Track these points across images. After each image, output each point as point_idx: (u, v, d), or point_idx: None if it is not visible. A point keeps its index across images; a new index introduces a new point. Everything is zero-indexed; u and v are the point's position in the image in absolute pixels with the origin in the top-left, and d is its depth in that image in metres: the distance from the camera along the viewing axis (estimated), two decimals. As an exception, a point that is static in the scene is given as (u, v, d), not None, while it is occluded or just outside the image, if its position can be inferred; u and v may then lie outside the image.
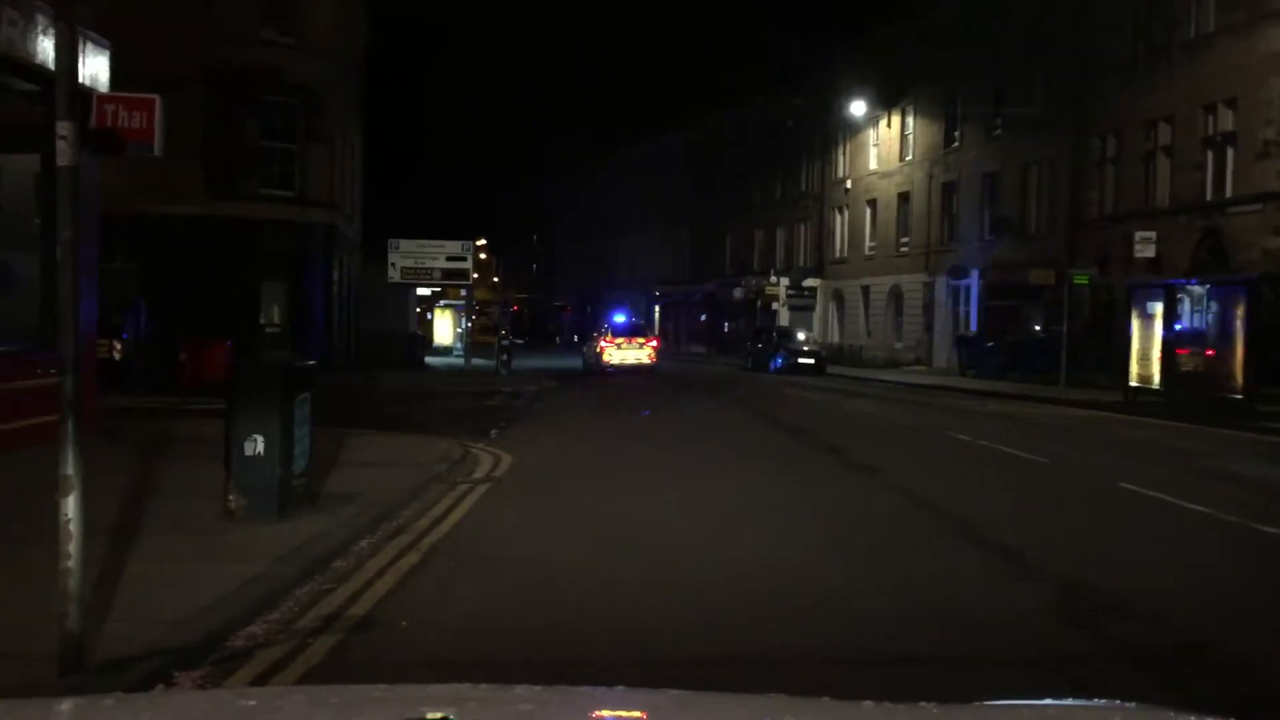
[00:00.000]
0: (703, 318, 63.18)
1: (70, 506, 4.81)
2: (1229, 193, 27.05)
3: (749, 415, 21.27)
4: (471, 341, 40.19)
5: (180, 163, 22.71)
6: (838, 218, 50.10)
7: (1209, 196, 27.74)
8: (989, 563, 8.16)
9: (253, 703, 2.53)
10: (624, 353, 36.44)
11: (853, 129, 47.53)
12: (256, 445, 8.15)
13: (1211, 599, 7.17)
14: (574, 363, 39.81)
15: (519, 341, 52.73)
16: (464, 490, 10.75)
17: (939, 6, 40.80)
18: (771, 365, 39.16)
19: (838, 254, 49.96)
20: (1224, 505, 10.64)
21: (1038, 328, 33.92)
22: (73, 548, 4.81)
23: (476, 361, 36.75)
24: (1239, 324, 21.26)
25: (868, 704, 2.33)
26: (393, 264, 33.62)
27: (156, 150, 10.64)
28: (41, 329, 11.66)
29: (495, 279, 65.46)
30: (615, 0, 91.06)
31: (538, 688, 2.51)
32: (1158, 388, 23.40)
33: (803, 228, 53.43)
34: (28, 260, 12.14)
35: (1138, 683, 5.29)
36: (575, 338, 57.49)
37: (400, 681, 3.02)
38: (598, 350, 37.07)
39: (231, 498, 8.22)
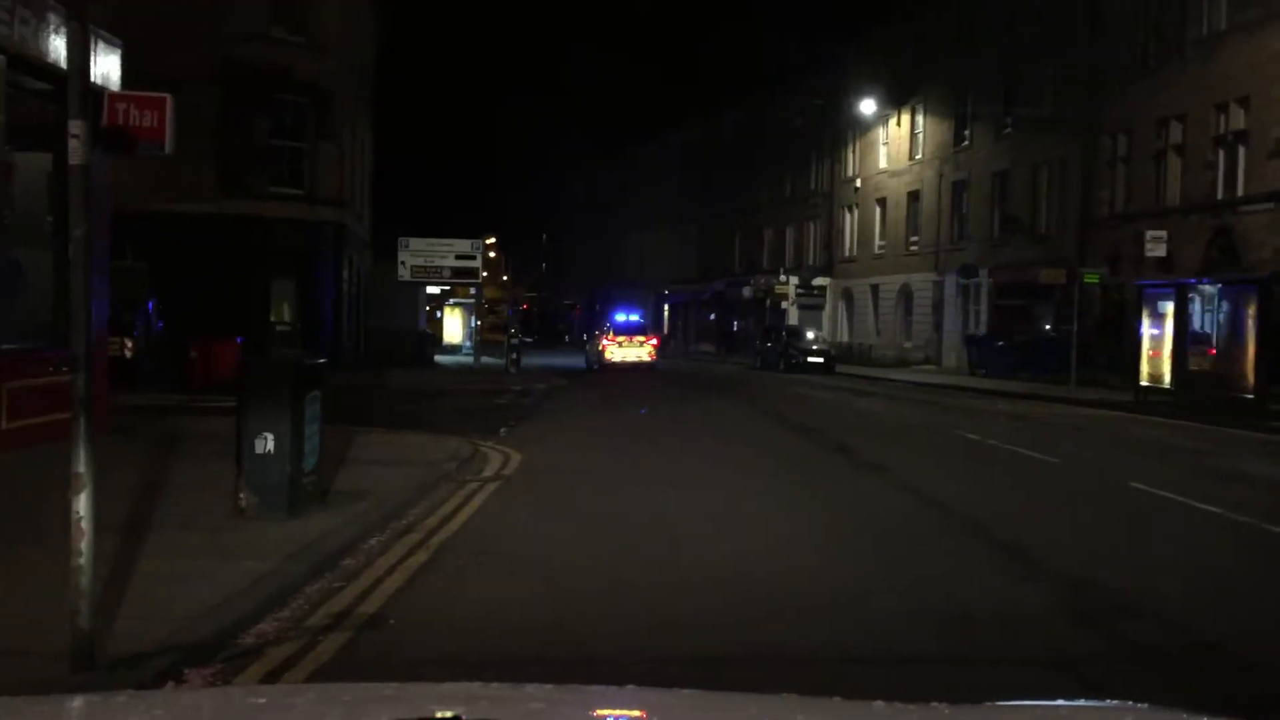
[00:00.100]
0: (712, 317, 63.14)
1: (82, 504, 4.83)
2: (1240, 192, 26.94)
3: (758, 414, 21.25)
4: (481, 340, 40.22)
5: (191, 161, 22.79)
6: (847, 216, 50.03)
7: (1220, 195, 27.64)
8: (998, 562, 8.14)
9: (263, 700, 2.54)
10: (624, 351, 37.38)
11: (862, 128, 47.45)
12: (267, 443, 8.17)
13: (1222, 599, 7.14)
14: (581, 361, 40.06)
15: (528, 340, 52.79)
16: (473, 488, 10.76)
17: (949, 5, 40.70)
18: (780, 364, 39.16)
19: (847, 253, 49.88)
20: (1235, 505, 10.60)
21: (1048, 327, 33.85)
22: (84, 545, 4.82)
23: (486, 360, 36.77)
24: (1250, 324, 21.19)
25: (878, 704, 2.33)
26: (402, 262, 33.66)
27: (167, 149, 10.66)
28: (53, 327, 11.70)
29: (504, 277, 65.49)
30: (621, 1, 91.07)
31: (549, 686, 2.52)
32: (1168, 387, 23.33)
33: (812, 226, 53.36)
34: (40, 258, 12.18)
35: (1149, 683, 5.27)
36: (584, 336, 57.55)
37: (411, 679, 3.02)
38: (599, 348, 37.85)
39: (242, 495, 8.24)
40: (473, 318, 45.48)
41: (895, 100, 44.46)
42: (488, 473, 11.92)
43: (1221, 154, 27.76)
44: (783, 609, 6.52)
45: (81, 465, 4.82)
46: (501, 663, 5.27)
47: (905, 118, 44.84)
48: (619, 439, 16.18)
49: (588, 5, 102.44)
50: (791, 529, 9.14)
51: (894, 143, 45.96)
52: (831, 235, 51.14)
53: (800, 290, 51.68)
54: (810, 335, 42.38)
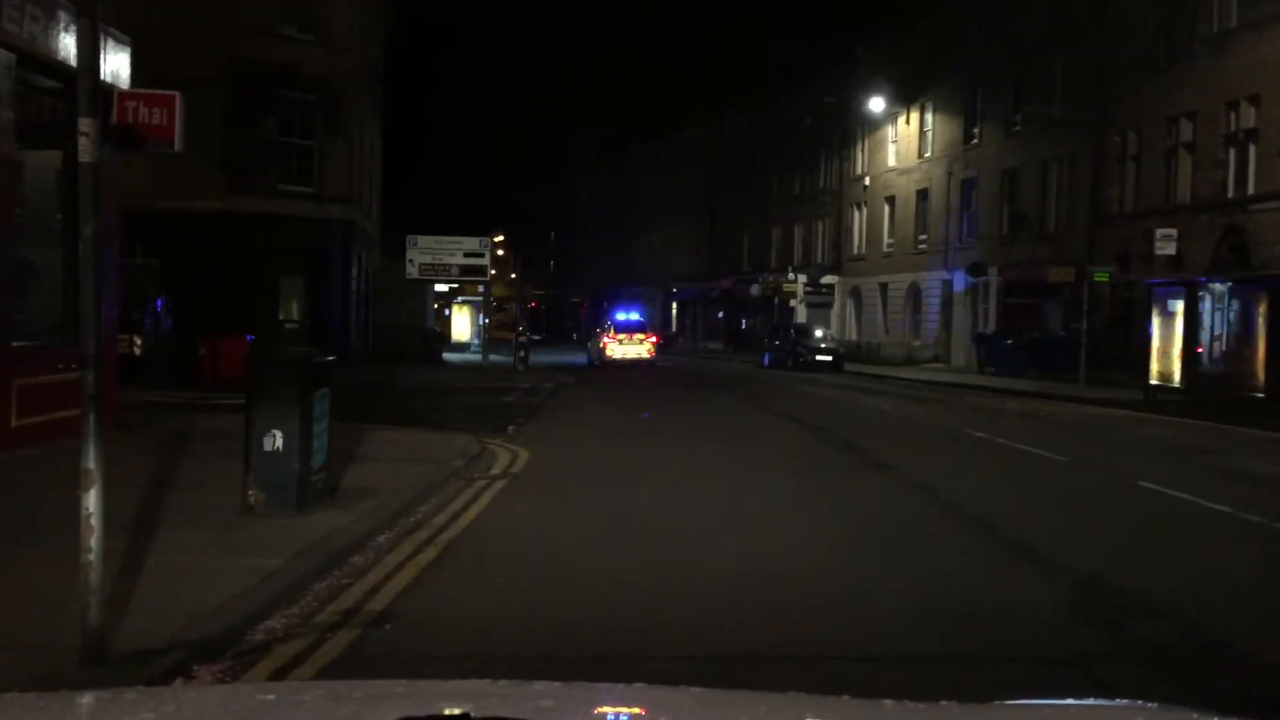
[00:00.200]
0: (720, 315, 63.10)
1: (91, 500, 4.84)
2: (1251, 190, 26.86)
3: (765, 412, 21.24)
4: (489, 337, 40.26)
5: (200, 159, 22.83)
6: (856, 214, 49.96)
7: (1231, 194, 27.55)
8: (1007, 561, 8.13)
9: (272, 697, 2.54)
10: (625, 348, 38.59)
11: (871, 126, 47.38)
12: (275, 440, 8.18)
13: (1232, 599, 7.12)
14: (585, 358, 40.53)
15: (536, 338, 52.80)
16: (481, 486, 10.77)
17: (959, 3, 40.61)
18: (788, 362, 39.14)
19: (856, 251, 49.82)
20: (1245, 505, 10.57)
21: (1064, 329, 33.78)
22: (94, 541, 4.84)
23: (494, 357, 36.79)
24: (1261, 322, 21.13)
25: (887, 703, 2.32)
26: (411, 260, 33.66)
27: (177, 146, 10.67)
28: (63, 324, 11.74)
29: (513, 275, 65.52)
30: (627, 0, 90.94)
31: (557, 684, 2.51)
32: (1178, 386, 23.27)
33: (821, 224, 53.29)
34: (49, 256, 12.22)
35: (1158, 682, 5.26)
36: (587, 334, 57.70)
37: (419, 677, 3.03)
38: (601, 346, 39.07)
39: (250, 492, 8.26)
40: (481, 315, 45.49)
41: (904, 98, 44.38)
42: (496, 470, 11.93)
43: (1232, 152, 27.67)
44: (790, 608, 6.51)
45: (91, 462, 4.83)
46: (509, 660, 5.27)
47: (914, 115, 44.75)
48: (627, 437, 16.18)
49: (595, 4, 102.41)
50: (799, 527, 9.13)
51: (903, 141, 45.87)
52: (840, 233, 51.07)
53: (808, 288, 51.63)
54: (818, 333, 42.34)
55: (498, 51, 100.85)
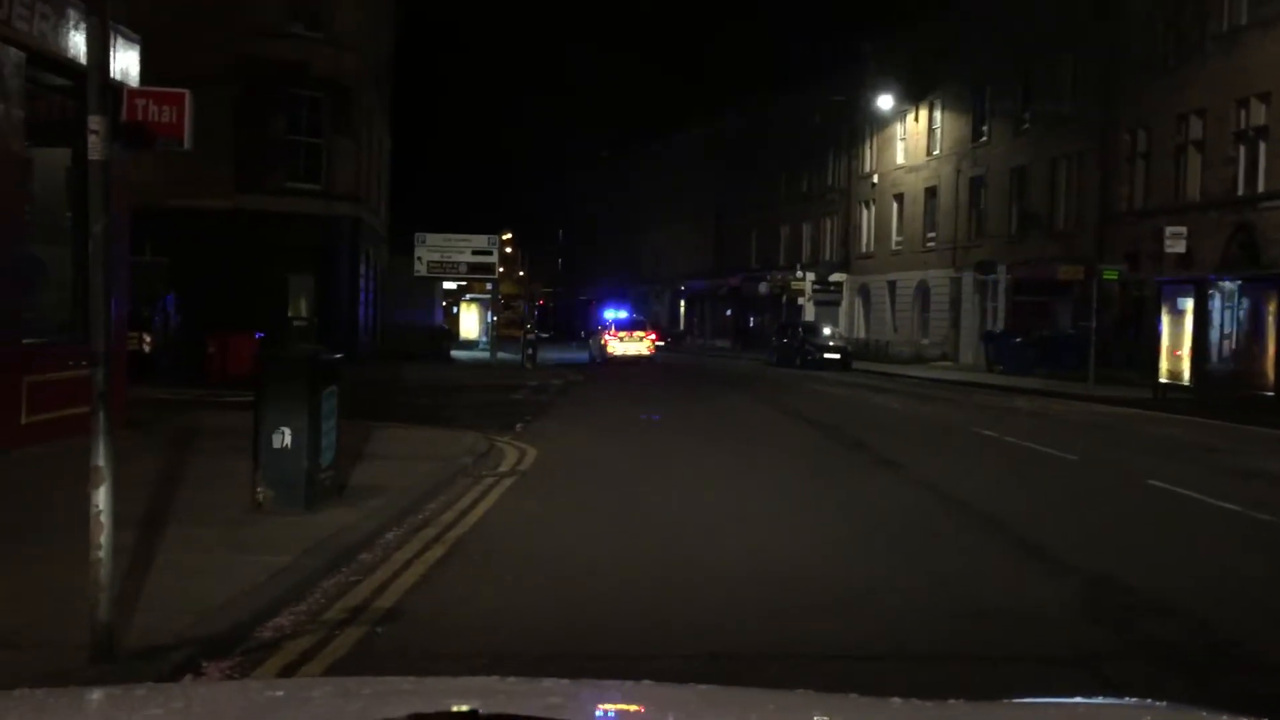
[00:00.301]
0: (728, 312, 63.09)
1: (101, 497, 4.85)
2: (1261, 188, 26.76)
3: (773, 410, 21.23)
4: (497, 335, 40.30)
5: (209, 157, 22.88)
6: (864, 212, 49.89)
7: (1240, 191, 27.46)
8: (1016, 559, 8.12)
9: (281, 693, 2.55)
10: (625, 345, 39.91)
11: (880, 124, 47.31)
12: (284, 438, 8.20)
13: (1241, 598, 7.10)
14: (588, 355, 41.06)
15: (544, 335, 52.85)
16: (489, 484, 10.78)
17: (968, 0, 40.51)
18: (796, 360, 39.14)
19: (864, 249, 49.76)
20: (1254, 503, 10.54)
21: (1067, 324, 33.71)
22: (103, 538, 4.85)
23: (502, 355, 36.84)
24: (1271, 321, 21.05)
25: (895, 701, 2.32)
26: (419, 257, 33.71)
27: (186, 144, 10.69)
28: (73, 322, 11.77)
29: (521, 273, 65.36)
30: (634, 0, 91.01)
31: (565, 681, 2.52)
32: (1188, 384, 23.20)
33: (829, 222, 53.24)
34: (59, 254, 12.25)
35: (1167, 681, 5.24)
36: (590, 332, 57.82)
37: (427, 674, 3.03)
38: (602, 343, 40.40)
39: (259, 490, 8.27)
40: (489, 313, 45.52)
41: (913, 96, 44.30)
42: (504, 468, 11.94)
43: (1242, 150, 27.58)
44: (798, 606, 6.51)
45: (101, 459, 4.84)
46: (517, 658, 5.28)
47: (923, 113, 44.68)
48: (634, 434, 16.18)
49: (598, 4, 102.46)
50: (807, 525, 9.12)
51: (911, 138, 45.80)
52: (848, 231, 51.02)
53: (817, 286, 51.59)
54: (826, 331, 42.31)
55: (506, 51, 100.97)
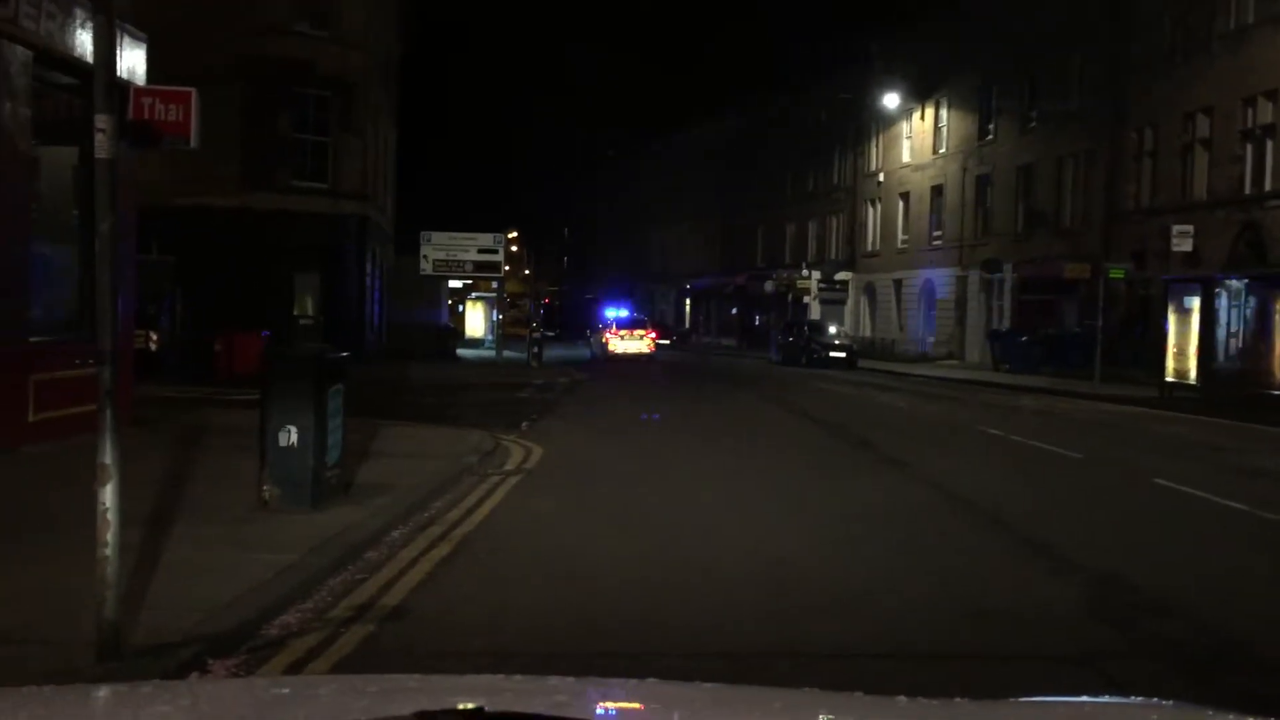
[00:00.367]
0: (734, 311, 63.06)
1: (108, 495, 4.86)
2: (1268, 186, 26.69)
3: (779, 409, 21.22)
4: (503, 334, 40.30)
5: (216, 155, 22.88)
6: (870, 211, 49.84)
7: (1248, 190, 27.39)
8: (1022, 558, 8.11)
9: (287, 691, 2.55)
10: (625, 343, 41.17)
11: (886, 122, 47.25)
12: (290, 436, 8.21)
13: (1248, 597, 7.09)
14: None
15: (550, 334, 52.85)
16: (495, 482, 10.79)
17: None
18: (801, 358, 39.12)
19: (870, 247, 49.70)
20: (1261, 502, 10.51)
21: (1073, 322, 33.65)
22: (110, 536, 4.86)
23: (508, 354, 36.84)
24: (1277, 319, 21.01)
25: (901, 699, 2.32)
26: (425, 256, 33.71)
27: (193, 143, 10.69)
28: (80, 320, 11.79)
29: (527, 271, 65.50)
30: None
31: (571, 679, 2.52)
32: (1194, 383, 23.15)
33: (835, 221, 53.19)
34: (66, 252, 12.28)
35: (1174, 680, 5.24)
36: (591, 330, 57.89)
37: (433, 672, 3.04)
38: (603, 341, 41.64)
39: (265, 488, 8.29)
40: (495, 312, 45.54)
41: (919, 94, 44.24)
42: (509, 466, 11.95)
43: (1249, 148, 27.50)
44: (805, 604, 6.51)
45: (108, 457, 4.85)
46: (523, 656, 5.28)
47: (929, 111, 44.62)
48: (639, 434, 16.19)
49: (602, 4, 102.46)
50: (813, 524, 9.12)
51: (917, 137, 45.74)
52: (854, 229, 50.96)
53: (822, 285, 51.53)
54: (832, 330, 42.28)
55: (512, 49, 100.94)
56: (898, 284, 46.95)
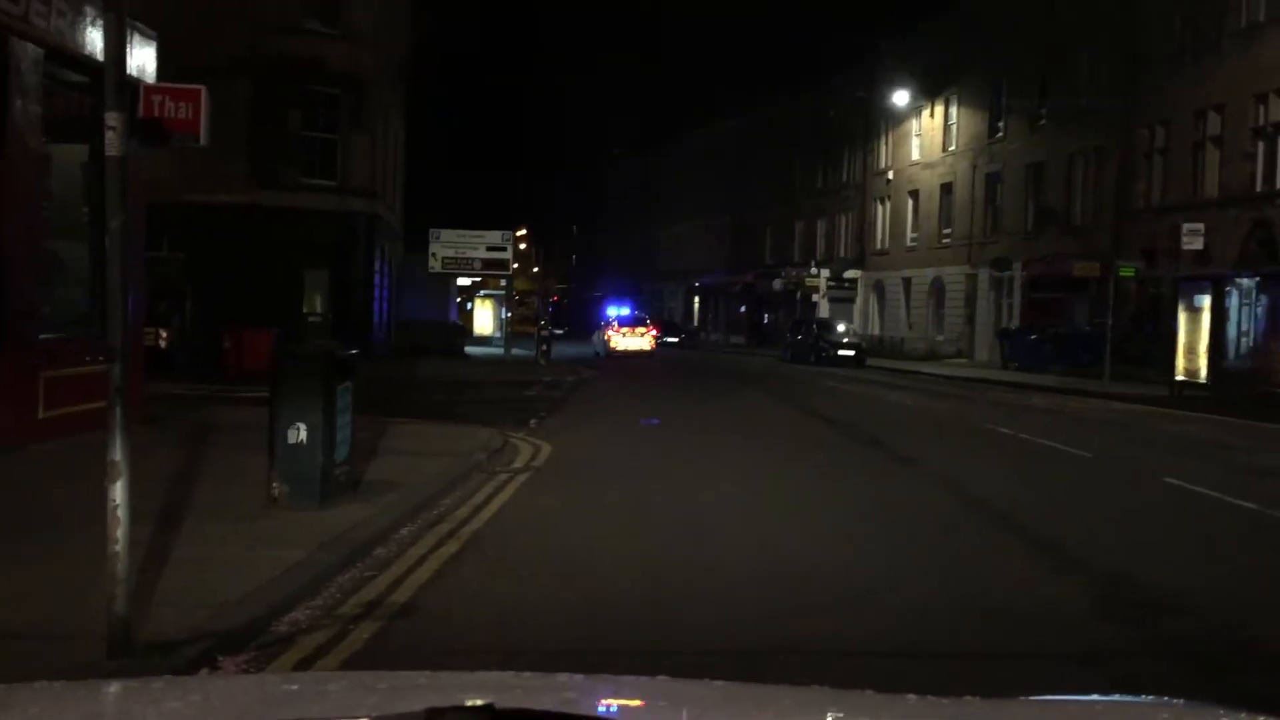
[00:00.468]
0: (742, 309, 63.02)
1: (118, 492, 4.87)
2: (1279, 184, 26.60)
3: (788, 407, 21.20)
4: (511, 331, 40.32)
5: (225, 153, 22.95)
6: (879, 209, 49.76)
7: (1259, 188, 27.30)
8: (1030, 557, 8.10)
9: (297, 687, 2.55)
10: (628, 340, 42.33)
11: (895, 119, 47.17)
12: (299, 433, 8.22)
13: (1258, 596, 7.07)
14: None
15: (558, 332, 52.88)
16: (504, 479, 10.80)
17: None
18: (810, 357, 39.10)
19: (879, 245, 49.63)
20: (1271, 501, 10.48)
21: (1083, 321, 33.57)
22: (120, 533, 4.87)
23: (516, 351, 36.87)
24: (1288, 318, 20.93)
25: (910, 697, 2.31)
26: (433, 253, 33.73)
27: (202, 140, 10.73)
28: (89, 317, 11.83)
29: (535, 269, 65.44)
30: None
31: (580, 676, 2.52)
32: (1204, 382, 23.08)
33: (844, 219, 53.12)
34: (76, 249, 12.31)
35: (1184, 679, 5.22)
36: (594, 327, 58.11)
37: (442, 669, 3.04)
38: (606, 338, 42.78)
39: (274, 485, 8.30)
40: (503, 309, 45.57)
41: (929, 92, 44.16)
42: (518, 464, 11.96)
43: (1260, 146, 27.41)
44: (813, 603, 6.50)
45: (118, 454, 4.87)
46: (531, 653, 5.29)
47: (939, 109, 44.53)
48: (648, 431, 16.18)
49: (606, 4, 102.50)
50: (822, 522, 9.11)
51: (927, 134, 45.66)
52: (863, 227, 50.90)
53: (831, 283, 51.49)
54: (841, 328, 42.26)
55: (520, 45, 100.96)
56: (907, 282, 46.87)
